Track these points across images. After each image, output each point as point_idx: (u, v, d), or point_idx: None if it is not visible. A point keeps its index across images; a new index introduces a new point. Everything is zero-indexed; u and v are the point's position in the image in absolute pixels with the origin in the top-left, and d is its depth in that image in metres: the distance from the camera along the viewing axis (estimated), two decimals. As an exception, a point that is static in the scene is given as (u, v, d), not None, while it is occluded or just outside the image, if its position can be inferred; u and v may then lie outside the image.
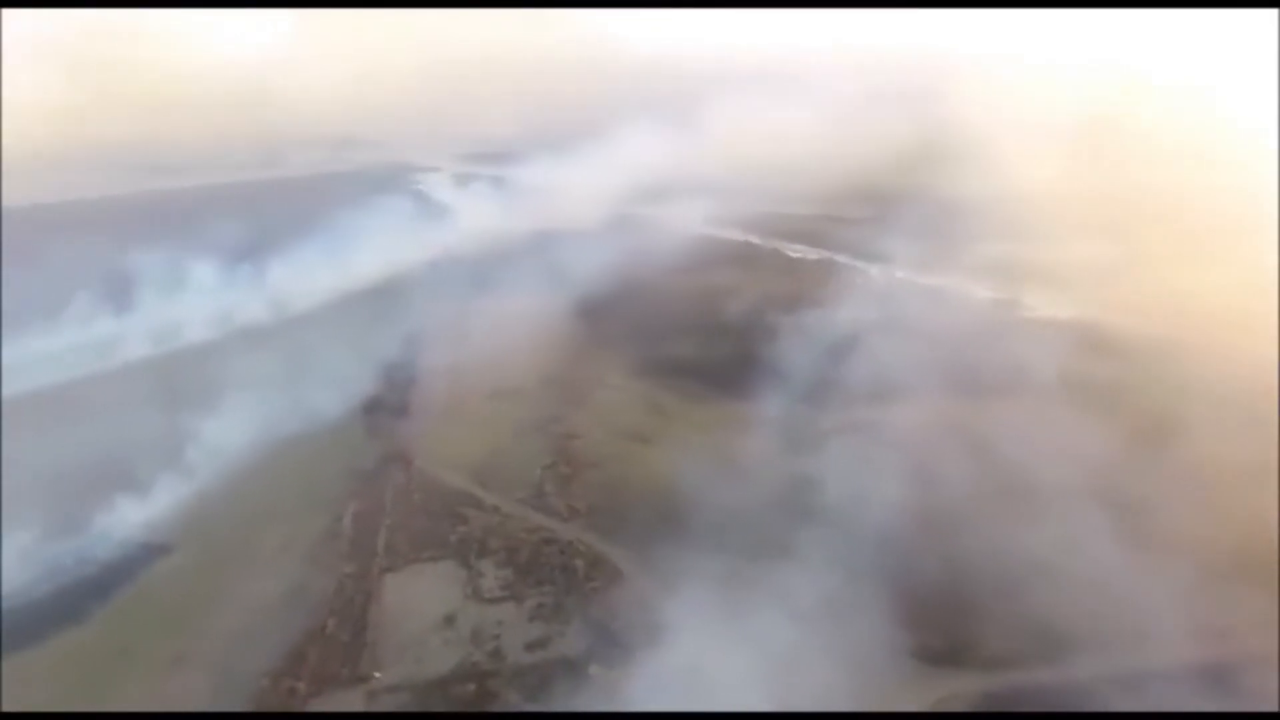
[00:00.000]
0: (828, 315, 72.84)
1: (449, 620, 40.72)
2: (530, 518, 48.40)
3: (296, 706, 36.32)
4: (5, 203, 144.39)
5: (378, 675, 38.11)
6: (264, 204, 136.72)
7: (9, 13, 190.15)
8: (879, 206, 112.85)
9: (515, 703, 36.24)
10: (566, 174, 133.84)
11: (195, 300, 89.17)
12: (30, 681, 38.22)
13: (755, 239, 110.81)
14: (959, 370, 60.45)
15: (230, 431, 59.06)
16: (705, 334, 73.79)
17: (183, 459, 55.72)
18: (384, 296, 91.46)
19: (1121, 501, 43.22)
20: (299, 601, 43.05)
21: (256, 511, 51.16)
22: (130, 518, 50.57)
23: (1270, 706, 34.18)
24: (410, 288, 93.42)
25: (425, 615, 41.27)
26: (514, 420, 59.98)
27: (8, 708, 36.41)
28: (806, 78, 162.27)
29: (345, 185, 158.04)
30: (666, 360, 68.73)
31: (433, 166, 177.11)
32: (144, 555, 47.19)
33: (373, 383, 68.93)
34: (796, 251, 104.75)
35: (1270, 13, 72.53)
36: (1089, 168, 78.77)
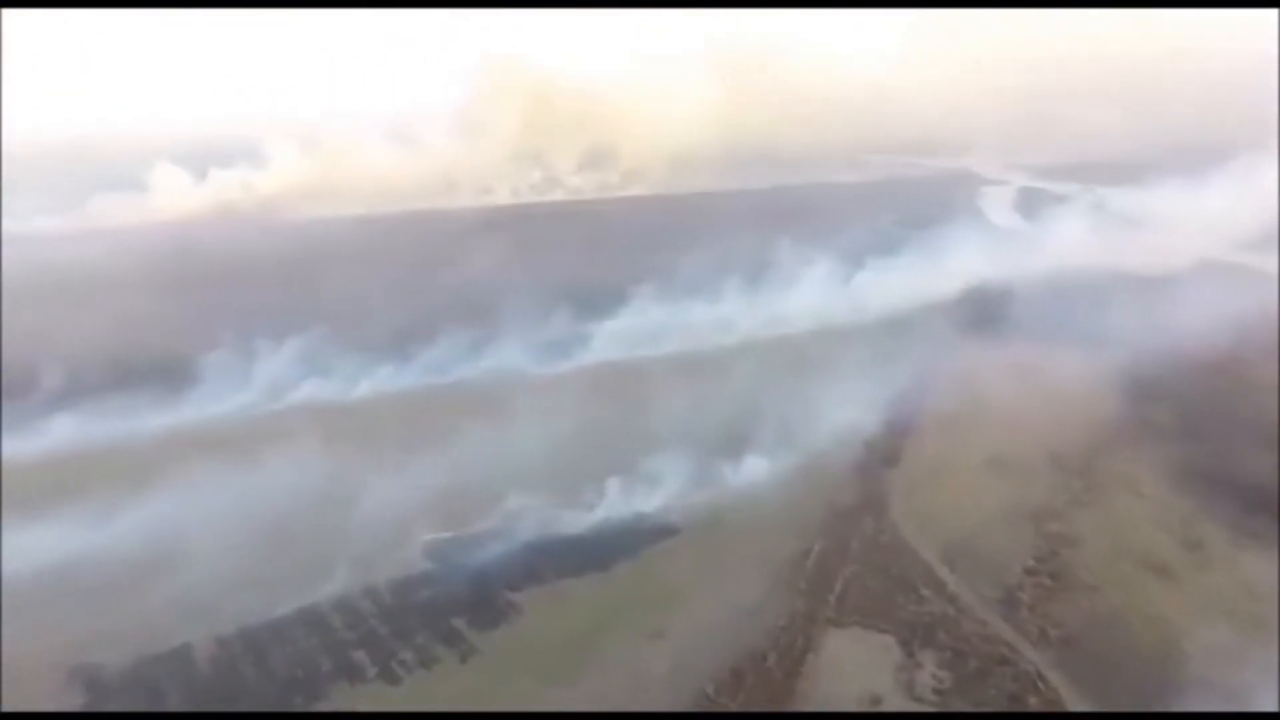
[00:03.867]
0: None
1: (875, 701, 39.65)
2: (991, 624, 43.87)
3: (724, 726, 39.68)
4: (677, 190, 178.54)
5: (798, 726, 39.51)
6: (852, 205, 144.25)
7: (687, 26, 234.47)
8: None
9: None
10: (1162, 201, 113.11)
11: (801, 292, 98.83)
12: (529, 619, 46.94)
13: None
14: None
15: (786, 430, 63.86)
16: (1296, 453, 56.66)
17: (756, 443, 62.01)
18: (913, 323, 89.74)
19: None
20: (754, 620, 46.12)
21: (752, 516, 55.13)
22: (726, 482, 58.18)
23: None
24: (940, 316, 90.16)
25: (853, 685, 40.76)
26: (1006, 500, 54.29)
27: (518, 635, 46.24)
28: None
29: (913, 193, 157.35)
30: (1226, 476, 54.37)
31: (1002, 179, 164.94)
32: (657, 529, 54.64)
33: (879, 415, 68.97)
34: None
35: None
36: None
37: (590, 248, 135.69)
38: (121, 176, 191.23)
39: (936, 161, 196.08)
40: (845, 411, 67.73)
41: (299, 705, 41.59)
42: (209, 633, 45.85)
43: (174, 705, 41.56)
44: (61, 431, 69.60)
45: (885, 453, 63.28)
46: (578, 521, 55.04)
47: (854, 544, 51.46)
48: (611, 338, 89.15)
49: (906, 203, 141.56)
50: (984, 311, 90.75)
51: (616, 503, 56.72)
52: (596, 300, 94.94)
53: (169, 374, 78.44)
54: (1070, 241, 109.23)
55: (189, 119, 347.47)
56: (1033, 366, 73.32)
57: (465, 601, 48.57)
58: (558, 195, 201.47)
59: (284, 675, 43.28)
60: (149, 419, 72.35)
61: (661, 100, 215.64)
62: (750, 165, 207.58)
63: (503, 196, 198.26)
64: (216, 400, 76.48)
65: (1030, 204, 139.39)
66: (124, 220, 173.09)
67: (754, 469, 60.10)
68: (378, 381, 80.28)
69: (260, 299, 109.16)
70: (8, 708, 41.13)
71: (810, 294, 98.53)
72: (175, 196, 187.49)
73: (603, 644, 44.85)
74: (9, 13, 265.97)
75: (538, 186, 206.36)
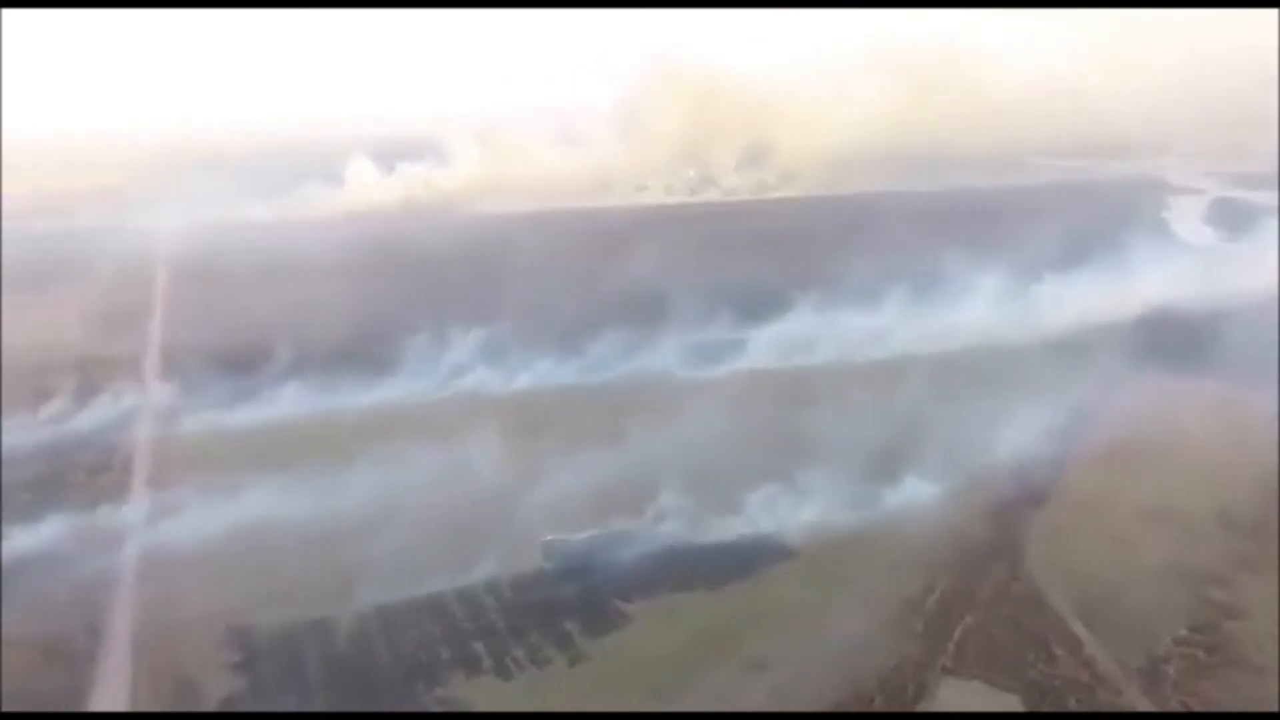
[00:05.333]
0: None
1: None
2: (1129, 696, 39.40)
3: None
4: (839, 192, 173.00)
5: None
6: (1024, 212, 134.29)
7: (857, 25, 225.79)
8: None
9: None
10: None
11: (965, 305, 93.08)
12: (638, 631, 46.59)
13: None
14: None
15: (932, 455, 60.01)
16: None
17: (903, 466, 58.73)
18: (1083, 346, 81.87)
19: None
20: (863, 659, 43.77)
21: (873, 546, 52.40)
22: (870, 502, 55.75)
23: None
24: (1114, 340, 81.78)
25: (967, 743, 38.22)
26: (1163, 558, 48.42)
27: (625, 646, 46.09)
28: None
29: (1092, 200, 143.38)
30: None
31: (1193, 187, 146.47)
32: (773, 551, 52.98)
33: (1031, 446, 63.49)
34: None
35: None
36: None
37: (749, 250, 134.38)
38: (320, 170, 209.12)
39: (1119, 166, 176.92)
40: (996, 440, 63.21)
41: (420, 689, 43.14)
42: (352, 607, 48.46)
43: (312, 673, 44.54)
44: (260, 409, 75.82)
45: (1031, 489, 58.36)
46: (724, 528, 54.38)
47: (982, 589, 47.76)
48: (765, 344, 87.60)
49: (1083, 211, 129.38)
50: (1164, 338, 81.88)
51: (762, 513, 55.62)
52: (752, 305, 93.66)
53: (341, 360, 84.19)
54: (1271, 261, 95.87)
55: (378, 116, 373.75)
56: (1214, 405, 65.32)
57: (578, 605, 49.14)
58: (713, 194, 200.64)
59: (409, 658, 45.17)
60: (325, 400, 77.56)
61: (826, 99, 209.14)
62: (917, 167, 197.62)
63: (659, 195, 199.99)
64: (390, 386, 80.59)
65: (1226, 216, 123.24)
66: (321, 210, 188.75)
67: (902, 492, 56.95)
68: (536, 376, 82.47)
69: (432, 292, 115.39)
70: (181, 651, 45.50)
71: (975, 307, 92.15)
72: (367, 190, 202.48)
73: (706, 666, 44.10)
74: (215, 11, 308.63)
75: (693, 185, 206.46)
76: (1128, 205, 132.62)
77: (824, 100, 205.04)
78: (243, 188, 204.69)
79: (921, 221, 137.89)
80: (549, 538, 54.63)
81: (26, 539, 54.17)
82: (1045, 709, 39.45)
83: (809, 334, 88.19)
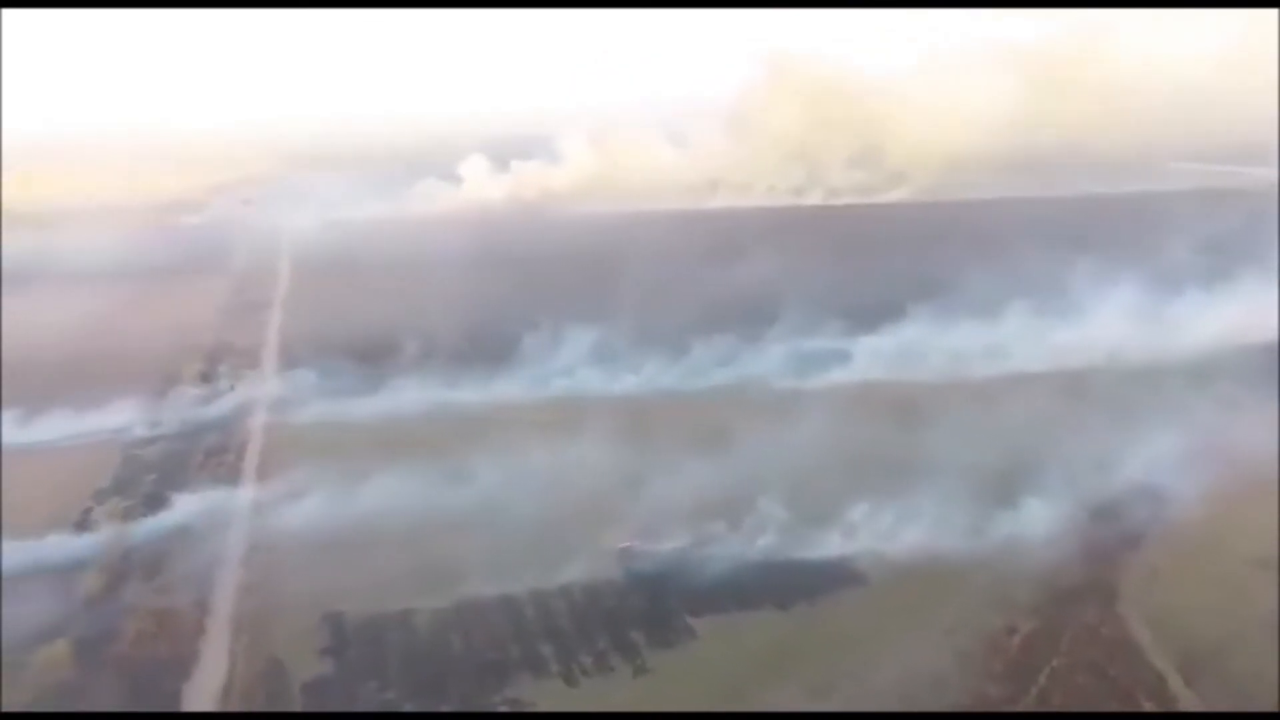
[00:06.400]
0: None
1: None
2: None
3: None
4: (960, 197, 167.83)
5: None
6: (1158, 221, 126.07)
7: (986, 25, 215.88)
8: None
9: None
10: None
11: (1086, 321, 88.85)
12: (703, 646, 46.40)
13: None
14: None
15: (1035, 484, 57.62)
16: None
17: (1011, 491, 56.74)
18: (1212, 372, 75.71)
19: None
20: (936, 694, 42.29)
21: (951, 579, 50.42)
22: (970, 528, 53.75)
23: None
24: (1248, 368, 75.26)
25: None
26: (1275, 612, 44.74)
27: (690, 661, 46.05)
28: None
29: (1232, 208, 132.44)
30: None
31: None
32: (844, 575, 51.97)
33: (1139, 480, 59.50)
34: None
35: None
36: None
37: (861, 255, 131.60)
38: (437, 168, 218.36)
39: (1265, 171, 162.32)
40: (1107, 470, 59.96)
41: (490, 686, 44.18)
42: (438, 602, 50.26)
43: (394, 662, 46.85)
44: (373, 402, 79.49)
45: (1137, 524, 54.88)
46: (816, 545, 53.98)
47: (1068, 633, 45.27)
48: (874, 355, 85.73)
49: (1225, 220, 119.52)
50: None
51: (855, 533, 54.85)
52: (862, 313, 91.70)
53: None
54: None
55: (493, 115, 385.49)
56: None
57: (647, 616, 49.48)
58: (817, 197, 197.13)
59: (480, 655, 46.46)
60: (436, 394, 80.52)
61: (944, 100, 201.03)
62: (1042, 171, 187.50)
63: (763, 196, 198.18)
64: (498, 383, 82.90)
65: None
66: (438, 208, 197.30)
67: (1001, 521, 54.66)
68: (642, 378, 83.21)
69: (541, 290, 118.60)
70: (278, 632, 48.74)
71: (1102, 324, 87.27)
72: (482, 188, 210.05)
73: (769, 687, 43.63)
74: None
75: (798, 187, 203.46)
76: (1274, 214, 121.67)
77: (942, 101, 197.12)
78: (363, 186, 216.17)
79: (1046, 229, 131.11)
80: (625, 544, 55.61)
81: (148, 517, 59.83)
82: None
83: (921, 346, 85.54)
